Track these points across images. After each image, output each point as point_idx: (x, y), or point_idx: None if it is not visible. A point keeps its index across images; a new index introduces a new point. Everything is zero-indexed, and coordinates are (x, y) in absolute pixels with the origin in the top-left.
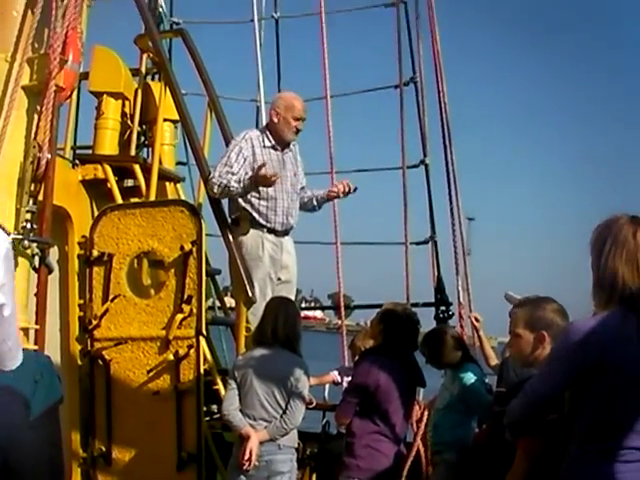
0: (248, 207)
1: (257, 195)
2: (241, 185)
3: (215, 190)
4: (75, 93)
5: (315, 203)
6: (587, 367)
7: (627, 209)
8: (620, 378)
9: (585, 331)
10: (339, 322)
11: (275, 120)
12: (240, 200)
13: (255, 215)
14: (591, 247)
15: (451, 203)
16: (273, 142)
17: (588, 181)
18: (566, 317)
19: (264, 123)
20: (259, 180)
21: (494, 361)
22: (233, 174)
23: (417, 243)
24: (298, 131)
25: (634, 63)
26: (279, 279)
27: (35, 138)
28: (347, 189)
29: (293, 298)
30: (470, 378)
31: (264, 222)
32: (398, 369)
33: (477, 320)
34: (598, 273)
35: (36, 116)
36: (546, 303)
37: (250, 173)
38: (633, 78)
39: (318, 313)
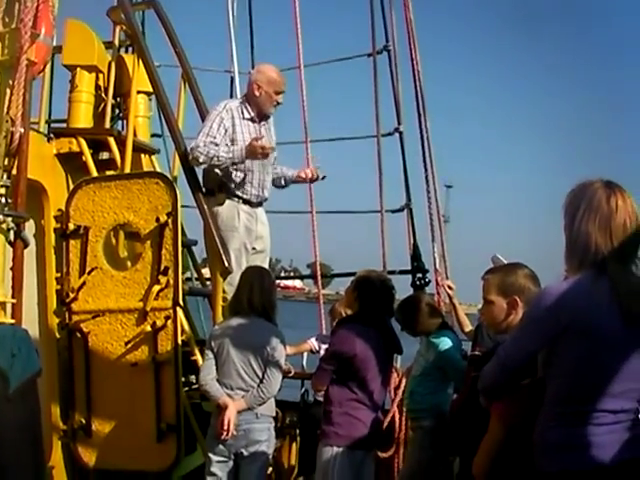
0: (224, 178)
1: (234, 166)
2: (229, 156)
3: (201, 160)
4: (48, 67)
5: (283, 183)
6: (559, 331)
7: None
8: (591, 341)
9: (557, 295)
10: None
11: (257, 94)
12: (216, 171)
13: (231, 186)
14: (564, 211)
15: (426, 170)
16: (252, 114)
17: (566, 147)
18: (537, 282)
19: (238, 94)
20: (254, 151)
21: (468, 328)
22: (216, 145)
23: (393, 211)
24: (278, 104)
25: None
26: (254, 249)
27: (8, 112)
28: (315, 176)
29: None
30: (445, 344)
31: (240, 193)
32: (374, 336)
33: (450, 288)
34: (571, 237)
35: (9, 90)
36: (517, 268)
37: (230, 145)
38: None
39: (297, 283)
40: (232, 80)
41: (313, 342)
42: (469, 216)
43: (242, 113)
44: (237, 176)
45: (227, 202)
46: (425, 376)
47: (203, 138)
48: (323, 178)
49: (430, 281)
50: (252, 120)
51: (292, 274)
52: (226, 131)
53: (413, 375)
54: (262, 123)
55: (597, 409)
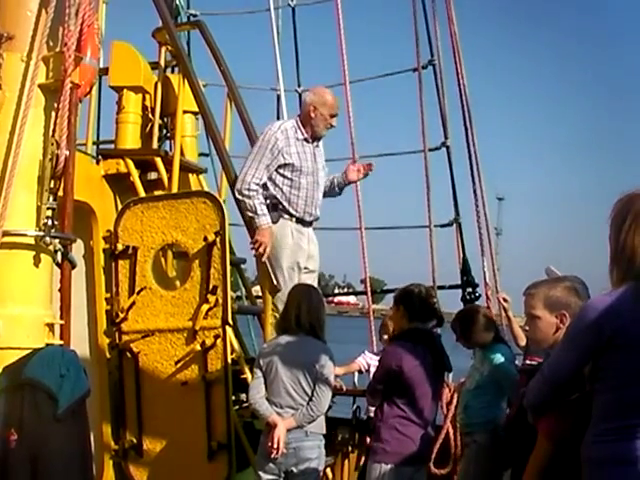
0: (279, 195)
1: (289, 184)
2: (259, 212)
3: (240, 203)
4: (95, 89)
5: (337, 190)
6: (602, 345)
7: None
8: (635, 355)
9: (599, 309)
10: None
11: (312, 115)
12: (271, 188)
13: (285, 204)
14: (610, 222)
15: (474, 184)
16: (306, 135)
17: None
18: (582, 295)
19: (284, 111)
20: (254, 239)
21: (523, 341)
22: (259, 181)
23: (442, 226)
24: (331, 126)
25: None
26: (306, 268)
27: (53, 135)
28: (366, 171)
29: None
30: (500, 358)
31: (293, 211)
32: (423, 353)
33: (505, 300)
34: (616, 249)
35: (54, 114)
36: (561, 282)
37: (282, 162)
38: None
39: (352, 298)
40: (278, 98)
41: (361, 361)
42: (525, 228)
43: (296, 133)
44: (292, 194)
45: (280, 220)
46: (479, 390)
47: (249, 179)
48: (370, 167)
49: (480, 295)
50: (306, 140)
51: (345, 289)
52: (279, 151)
53: (467, 389)
54: (315, 144)
55: None
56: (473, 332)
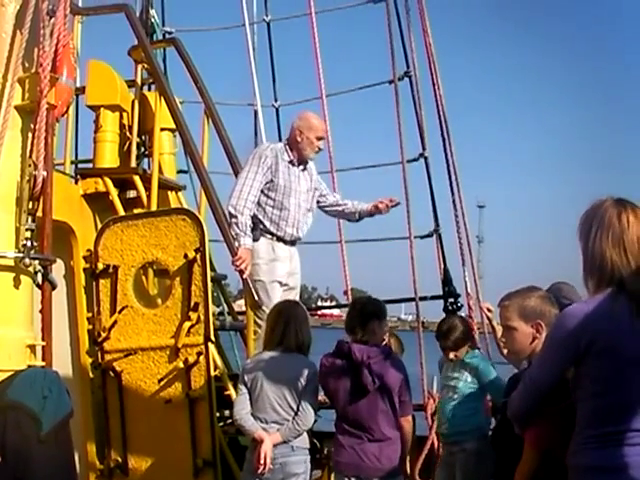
0: (261, 215)
1: (271, 204)
2: (243, 233)
3: (233, 214)
4: (72, 108)
5: (357, 217)
6: (580, 353)
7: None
8: (615, 361)
9: (577, 317)
10: None
11: (299, 139)
12: (254, 207)
13: (267, 223)
14: (579, 233)
15: (453, 194)
16: (292, 158)
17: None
18: (555, 304)
19: (262, 127)
20: (236, 257)
21: None
22: (255, 199)
23: (421, 237)
24: (319, 150)
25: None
26: (286, 285)
27: (31, 156)
28: (392, 204)
29: None
30: (482, 361)
31: (274, 230)
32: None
33: (489, 310)
34: (587, 258)
35: (31, 134)
36: (534, 292)
37: (269, 179)
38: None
39: (335, 310)
40: (255, 113)
41: None
42: (507, 234)
43: (284, 155)
44: (274, 214)
45: (262, 239)
46: (465, 397)
47: (245, 196)
48: (397, 204)
49: (462, 305)
50: (292, 163)
51: (328, 301)
52: (268, 168)
53: (449, 398)
54: (301, 167)
55: (629, 429)
56: (457, 341)
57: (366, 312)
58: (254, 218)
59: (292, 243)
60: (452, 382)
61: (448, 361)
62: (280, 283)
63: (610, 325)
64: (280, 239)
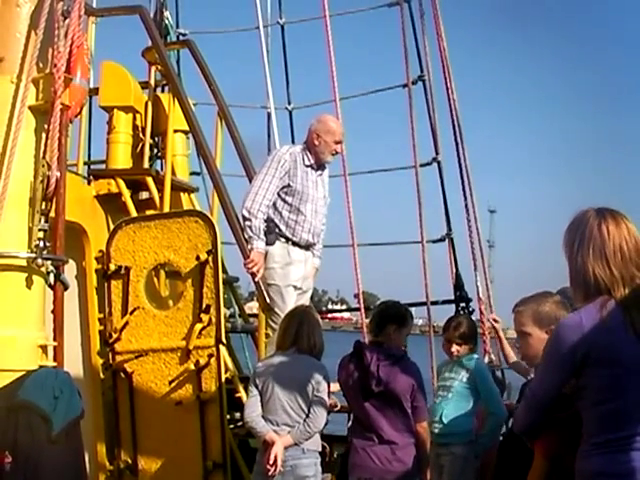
0: (276, 219)
1: (289, 209)
2: (256, 237)
3: (247, 217)
4: (86, 109)
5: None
6: (577, 364)
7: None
8: (611, 368)
9: (570, 328)
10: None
11: (316, 143)
12: (270, 211)
13: (282, 227)
14: (563, 246)
15: (465, 199)
16: (311, 162)
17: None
18: (568, 309)
19: (275, 129)
20: (249, 260)
21: (513, 359)
22: (269, 202)
23: (434, 241)
24: (336, 153)
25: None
26: (300, 289)
27: (44, 157)
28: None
29: None
30: (479, 363)
31: (290, 235)
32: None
33: (496, 321)
34: (572, 272)
35: (44, 135)
36: (548, 297)
37: (287, 183)
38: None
39: (345, 313)
40: (269, 115)
41: None
42: (518, 239)
43: (303, 159)
44: (290, 218)
45: (277, 243)
46: (459, 397)
47: (260, 199)
48: None
49: (474, 310)
50: (311, 167)
51: (339, 304)
52: (286, 173)
53: (443, 397)
54: (319, 172)
55: (631, 435)
56: (474, 337)
57: (384, 315)
58: (270, 222)
59: (307, 248)
60: (448, 382)
61: (448, 355)
62: (295, 287)
63: (604, 336)
64: (295, 244)
